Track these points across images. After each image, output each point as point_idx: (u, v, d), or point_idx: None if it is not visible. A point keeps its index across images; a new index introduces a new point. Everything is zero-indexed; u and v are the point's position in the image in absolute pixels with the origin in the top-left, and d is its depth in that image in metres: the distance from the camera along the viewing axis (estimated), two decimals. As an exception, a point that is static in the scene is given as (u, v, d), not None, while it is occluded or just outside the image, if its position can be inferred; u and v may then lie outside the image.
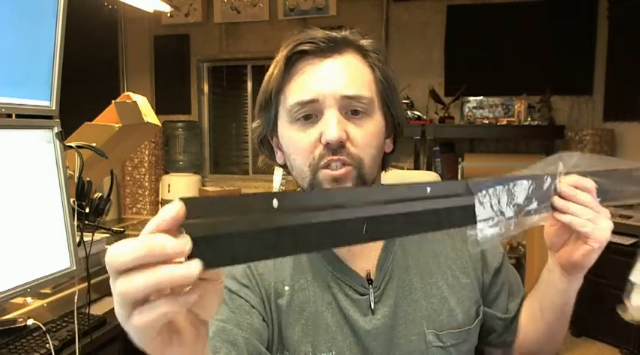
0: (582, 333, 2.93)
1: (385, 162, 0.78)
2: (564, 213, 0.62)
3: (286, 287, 0.73)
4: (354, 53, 0.72)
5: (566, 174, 0.63)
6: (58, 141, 1.23)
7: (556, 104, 3.53)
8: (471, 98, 3.56)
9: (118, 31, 4.53)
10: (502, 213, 0.55)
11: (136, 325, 0.34)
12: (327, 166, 0.68)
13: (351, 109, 0.69)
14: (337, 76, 0.69)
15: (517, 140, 3.69)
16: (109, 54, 4.47)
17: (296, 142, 0.70)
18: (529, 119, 3.44)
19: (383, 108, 0.73)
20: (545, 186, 0.61)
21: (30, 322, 1.30)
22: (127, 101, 2.02)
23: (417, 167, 3.60)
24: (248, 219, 0.36)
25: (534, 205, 0.59)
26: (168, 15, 3.97)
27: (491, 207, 0.54)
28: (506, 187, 0.56)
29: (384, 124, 0.73)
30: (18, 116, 1.17)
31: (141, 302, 0.34)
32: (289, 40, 0.72)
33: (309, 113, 0.69)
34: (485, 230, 0.54)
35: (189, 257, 0.33)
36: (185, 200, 0.34)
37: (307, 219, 0.39)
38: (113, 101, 1.93)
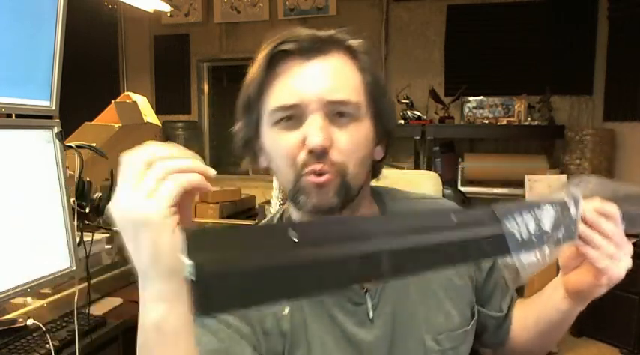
0: (582, 333, 2.93)
1: (376, 169, 0.75)
2: (585, 243, 0.60)
3: (286, 309, 0.69)
4: (341, 54, 0.68)
5: (587, 198, 0.61)
6: (58, 141, 1.23)
7: (556, 104, 3.53)
8: (471, 98, 3.56)
9: (118, 31, 4.53)
10: (533, 243, 0.53)
11: (169, 186, 0.44)
12: (310, 173, 0.64)
13: (337, 113, 0.65)
14: (322, 80, 0.65)
15: (517, 140, 3.69)
16: (109, 54, 4.47)
17: (278, 146, 0.67)
18: (529, 119, 3.43)
19: (371, 114, 0.69)
20: (570, 211, 0.59)
21: (30, 322, 1.30)
22: (127, 101, 2.02)
23: (417, 167, 3.60)
24: (265, 254, 0.33)
25: (562, 233, 0.57)
26: (168, 15, 3.97)
27: (521, 236, 0.52)
28: (533, 214, 0.54)
29: (372, 130, 0.69)
30: (18, 116, 1.17)
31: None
32: (271, 38, 0.67)
33: (292, 117, 0.65)
34: (523, 262, 0.53)
35: (200, 304, 0.32)
36: (190, 232, 0.32)
37: (332, 254, 0.35)
38: (113, 101, 1.94)
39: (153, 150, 0.46)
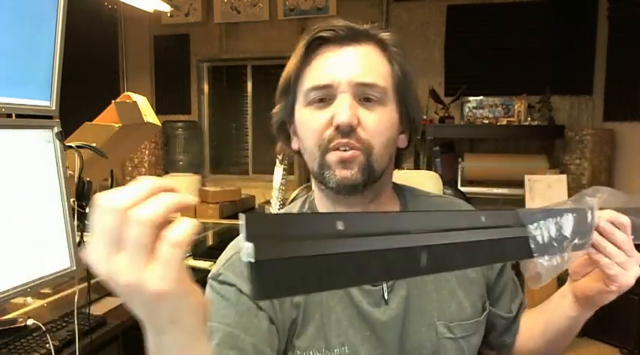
0: (582, 333, 2.93)
1: (399, 158, 0.78)
2: (598, 251, 0.62)
3: None
4: (373, 45, 0.73)
5: (601, 208, 0.63)
6: (58, 141, 1.23)
7: (556, 104, 3.53)
8: (471, 98, 3.56)
9: (118, 31, 4.54)
10: (554, 247, 0.55)
11: (172, 253, 0.36)
12: (335, 148, 0.68)
13: (364, 97, 0.69)
14: (353, 64, 0.69)
15: (517, 140, 3.69)
16: (109, 54, 4.47)
17: (308, 124, 0.71)
18: (529, 119, 3.44)
19: (397, 102, 0.73)
20: (587, 218, 0.61)
21: (30, 322, 1.30)
22: (127, 101, 2.02)
23: (417, 167, 3.60)
24: (317, 242, 0.35)
25: (579, 239, 0.59)
26: (168, 15, 3.97)
27: (543, 239, 0.54)
28: (555, 219, 0.56)
29: (397, 117, 0.73)
30: (18, 116, 1.17)
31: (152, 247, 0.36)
32: (312, 29, 0.73)
33: (324, 97, 0.69)
34: (544, 264, 0.55)
35: (257, 287, 0.32)
36: (250, 216, 0.32)
37: (374, 245, 0.37)
38: (113, 101, 1.93)
39: (124, 195, 0.37)
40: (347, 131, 0.67)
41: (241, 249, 0.32)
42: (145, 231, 0.36)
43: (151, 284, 0.36)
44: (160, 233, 0.36)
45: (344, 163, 0.68)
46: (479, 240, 0.46)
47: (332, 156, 0.68)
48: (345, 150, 0.68)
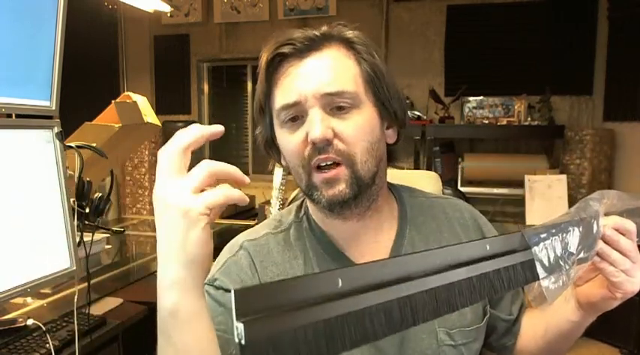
0: (583, 333, 2.93)
1: (391, 154, 0.77)
2: (603, 259, 0.61)
3: None
4: (336, 47, 0.70)
5: (607, 214, 0.62)
6: (58, 141, 1.23)
7: (556, 104, 3.53)
8: (471, 98, 3.56)
9: (118, 31, 4.53)
10: (560, 266, 0.55)
11: (212, 197, 0.48)
12: (318, 167, 0.67)
13: (336, 106, 0.67)
14: (317, 74, 0.67)
15: (517, 140, 3.69)
16: (109, 54, 4.47)
17: (287, 145, 0.70)
18: (529, 119, 3.43)
19: (374, 100, 0.70)
20: (592, 229, 0.60)
21: (30, 322, 1.30)
22: (127, 101, 2.02)
23: (417, 167, 3.60)
24: (313, 309, 0.33)
25: (584, 252, 0.58)
26: (168, 15, 3.97)
27: (549, 260, 0.53)
28: (560, 236, 0.55)
29: (377, 116, 0.70)
30: (18, 116, 1.17)
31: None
32: (269, 43, 0.70)
33: (296, 115, 0.68)
34: (550, 287, 0.54)
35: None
36: (239, 291, 0.31)
37: (374, 300, 0.36)
38: (113, 101, 1.93)
39: (193, 139, 0.50)
40: (323, 146, 0.65)
41: (233, 328, 0.31)
42: (205, 173, 0.48)
43: (184, 199, 0.48)
44: (215, 182, 0.49)
45: (329, 183, 0.67)
46: (484, 273, 0.45)
47: (317, 178, 0.68)
48: (327, 168, 0.67)
